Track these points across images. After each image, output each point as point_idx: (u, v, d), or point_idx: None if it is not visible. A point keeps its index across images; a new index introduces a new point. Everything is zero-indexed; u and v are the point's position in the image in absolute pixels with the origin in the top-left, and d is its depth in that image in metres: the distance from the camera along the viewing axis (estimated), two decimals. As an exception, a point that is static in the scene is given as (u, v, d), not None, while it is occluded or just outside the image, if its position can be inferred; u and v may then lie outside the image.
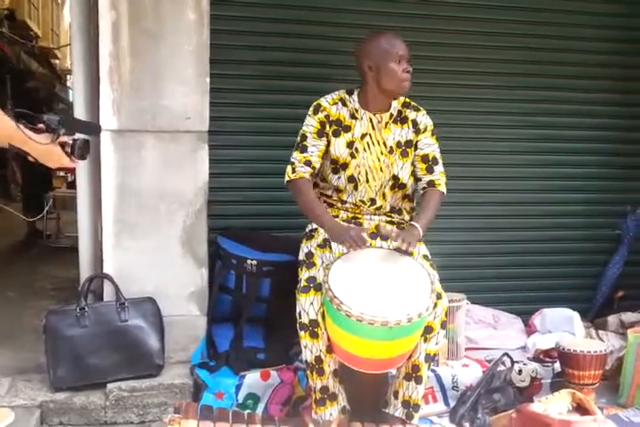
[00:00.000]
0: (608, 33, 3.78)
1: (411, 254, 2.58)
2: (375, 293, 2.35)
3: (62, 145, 2.18)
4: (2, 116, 2.05)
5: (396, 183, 2.75)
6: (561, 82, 3.73)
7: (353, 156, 2.71)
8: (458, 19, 3.53)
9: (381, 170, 2.72)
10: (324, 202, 2.80)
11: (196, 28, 3.00)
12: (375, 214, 2.78)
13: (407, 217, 2.84)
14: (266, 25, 3.29)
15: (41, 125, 2.14)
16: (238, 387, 2.85)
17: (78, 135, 2.24)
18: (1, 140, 2.17)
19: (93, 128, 2.32)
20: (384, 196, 2.76)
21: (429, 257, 2.71)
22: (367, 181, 2.72)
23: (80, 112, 3.07)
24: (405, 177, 2.75)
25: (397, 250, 2.60)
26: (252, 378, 2.87)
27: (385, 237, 2.69)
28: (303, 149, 2.70)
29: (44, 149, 2.14)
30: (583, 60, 3.74)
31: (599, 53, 3.77)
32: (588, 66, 3.76)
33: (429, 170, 2.74)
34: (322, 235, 2.70)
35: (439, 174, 2.76)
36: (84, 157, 2.24)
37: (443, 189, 2.75)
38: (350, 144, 2.71)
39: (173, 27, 2.96)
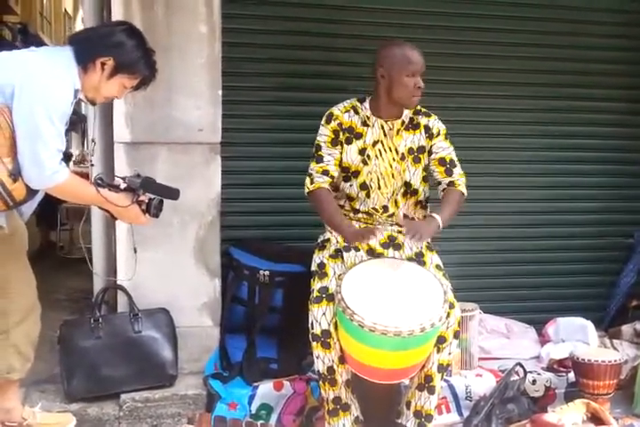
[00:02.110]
0: (616, 42, 3.78)
1: (424, 264, 2.59)
2: (388, 303, 2.36)
3: (139, 203, 2.30)
4: (81, 184, 2.25)
5: (408, 190, 2.76)
6: (570, 91, 3.73)
7: (365, 162, 2.72)
8: (469, 29, 3.55)
9: (393, 176, 2.73)
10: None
11: (208, 41, 3.03)
12: (388, 224, 2.79)
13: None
14: (277, 37, 3.32)
15: (122, 184, 2.27)
16: (251, 397, 2.86)
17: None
18: (81, 203, 2.49)
19: (173, 193, 2.35)
20: (396, 203, 2.77)
21: (442, 267, 2.72)
22: (379, 188, 2.74)
23: (94, 127, 3.10)
24: (417, 183, 2.76)
25: (410, 259, 2.62)
26: (265, 388, 2.88)
27: (397, 247, 2.71)
28: (319, 160, 2.72)
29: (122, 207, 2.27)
30: (592, 70, 3.74)
31: (607, 62, 3.77)
32: (597, 75, 3.76)
33: (448, 172, 2.75)
34: (334, 245, 2.72)
35: (458, 176, 2.76)
36: (157, 216, 2.33)
37: (463, 189, 2.75)
38: (362, 151, 2.72)
39: (185, 40, 3.00)
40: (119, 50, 2.22)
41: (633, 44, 3.81)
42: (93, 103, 2.41)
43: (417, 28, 3.44)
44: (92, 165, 2.34)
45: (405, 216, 2.79)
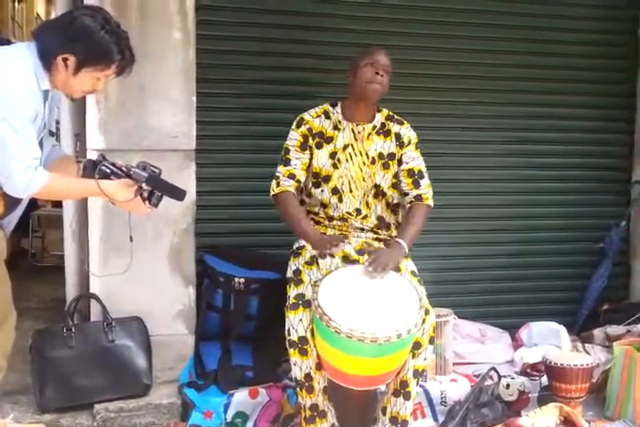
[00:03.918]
0: (589, 50, 3.84)
1: (399, 270, 2.60)
2: (364, 309, 2.36)
3: (141, 194, 2.16)
4: (67, 183, 2.13)
5: (379, 191, 2.78)
6: (539, 98, 3.78)
7: (335, 166, 2.74)
8: (442, 37, 3.58)
9: (364, 180, 2.75)
10: (312, 219, 2.82)
11: (182, 48, 3.02)
12: (362, 231, 2.79)
13: (395, 233, 2.85)
14: (251, 44, 3.32)
15: (123, 167, 2.15)
16: (227, 406, 2.83)
17: None
18: (75, 199, 2.51)
19: (179, 194, 2.21)
20: (368, 204, 2.79)
21: (417, 273, 2.73)
22: (350, 191, 2.75)
23: (66, 132, 3.07)
24: (386, 187, 2.78)
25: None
26: (241, 396, 2.86)
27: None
28: (286, 163, 2.73)
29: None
30: (560, 76, 3.79)
31: (576, 69, 3.83)
32: (565, 81, 3.81)
33: (416, 184, 2.77)
34: (309, 252, 2.71)
35: (426, 188, 2.78)
36: (157, 206, 2.22)
37: (430, 202, 2.77)
38: (332, 155, 2.74)
39: (160, 46, 2.98)
40: (80, 42, 2.01)
41: (605, 51, 3.88)
42: (72, 99, 2.26)
43: (390, 35, 3.47)
44: (79, 161, 2.24)
45: (380, 218, 2.81)
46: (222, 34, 3.27)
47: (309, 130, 2.75)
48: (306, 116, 2.78)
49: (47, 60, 2.05)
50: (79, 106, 2.99)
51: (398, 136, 2.79)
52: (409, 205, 2.78)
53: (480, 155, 3.72)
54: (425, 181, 2.79)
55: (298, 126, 2.77)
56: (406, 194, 2.79)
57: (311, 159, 2.75)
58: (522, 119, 3.77)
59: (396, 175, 2.80)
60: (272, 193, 2.72)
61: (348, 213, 2.77)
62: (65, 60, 2.04)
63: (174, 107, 3.01)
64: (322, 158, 2.74)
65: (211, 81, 3.22)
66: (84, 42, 2.02)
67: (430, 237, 3.40)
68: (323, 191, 2.76)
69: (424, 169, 2.80)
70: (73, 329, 2.83)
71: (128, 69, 2.15)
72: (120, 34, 2.10)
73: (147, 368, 2.90)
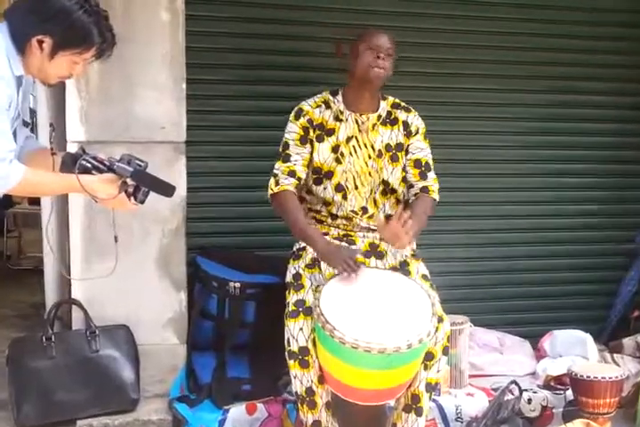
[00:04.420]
0: (612, 31, 3.83)
1: (409, 273, 2.60)
2: (371, 317, 2.36)
3: (126, 189, 2.15)
4: (44, 178, 2.11)
5: (387, 188, 2.78)
6: (568, 84, 3.78)
7: (338, 161, 2.73)
8: (452, 17, 3.57)
9: (370, 175, 2.75)
10: (313, 218, 2.82)
11: (170, 30, 3.00)
12: (369, 231, 2.79)
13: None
14: (247, 25, 3.31)
15: (105, 161, 2.13)
16: (222, 422, 2.84)
17: None
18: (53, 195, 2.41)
19: (167, 189, 2.19)
20: (375, 202, 2.79)
21: (429, 277, 2.73)
22: (356, 188, 2.75)
23: (44, 122, 3.07)
24: (396, 182, 2.78)
25: (394, 269, 2.62)
26: (237, 412, 2.87)
27: (380, 256, 2.71)
28: (286, 159, 2.72)
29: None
30: (584, 61, 3.79)
31: (601, 53, 3.83)
32: (589, 66, 3.81)
33: (422, 176, 2.78)
34: (310, 254, 2.71)
35: (432, 181, 2.80)
36: (143, 202, 2.20)
37: (436, 196, 2.79)
38: (335, 148, 2.73)
39: (145, 28, 2.96)
40: (56, 23, 2.00)
41: (630, 33, 3.87)
42: (48, 85, 2.23)
43: (397, 16, 3.47)
44: (54, 153, 2.23)
45: (389, 217, 2.80)
46: (214, 14, 3.27)
47: (309, 121, 2.74)
48: (305, 106, 2.77)
49: (20, 42, 2.03)
50: (58, 94, 2.98)
51: (406, 124, 2.79)
52: (414, 197, 2.78)
53: (496, 147, 3.72)
54: (432, 175, 2.81)
55: (296, 118, 2.76)
56: (411, 186, 2.80)
57: (312, 153, 2.75)
58: (542, 108, 3.76)
59: (404, 167, 2.80)
60: (270, 192, 2.72)
61: (353, 211, 2.77)
62: (40, 42, 2.02)
63: (162, 95, 3.00)
64: (323, 153, 2.74)
65: (201, 66, 3.22)
66: (61, 22, 2.01)
67: (443, 237, 3.40)
68: (325, 189, 2.76)
69: (431, 161, 2.82)
70: (53, 338, 2.83)
71: (108, 53, 2.14)
72: (100, 13, 2.08)
73: (134, 381, 2.90)
